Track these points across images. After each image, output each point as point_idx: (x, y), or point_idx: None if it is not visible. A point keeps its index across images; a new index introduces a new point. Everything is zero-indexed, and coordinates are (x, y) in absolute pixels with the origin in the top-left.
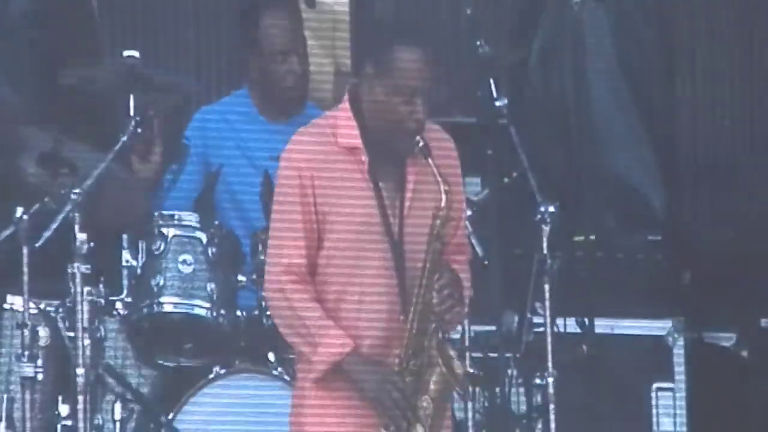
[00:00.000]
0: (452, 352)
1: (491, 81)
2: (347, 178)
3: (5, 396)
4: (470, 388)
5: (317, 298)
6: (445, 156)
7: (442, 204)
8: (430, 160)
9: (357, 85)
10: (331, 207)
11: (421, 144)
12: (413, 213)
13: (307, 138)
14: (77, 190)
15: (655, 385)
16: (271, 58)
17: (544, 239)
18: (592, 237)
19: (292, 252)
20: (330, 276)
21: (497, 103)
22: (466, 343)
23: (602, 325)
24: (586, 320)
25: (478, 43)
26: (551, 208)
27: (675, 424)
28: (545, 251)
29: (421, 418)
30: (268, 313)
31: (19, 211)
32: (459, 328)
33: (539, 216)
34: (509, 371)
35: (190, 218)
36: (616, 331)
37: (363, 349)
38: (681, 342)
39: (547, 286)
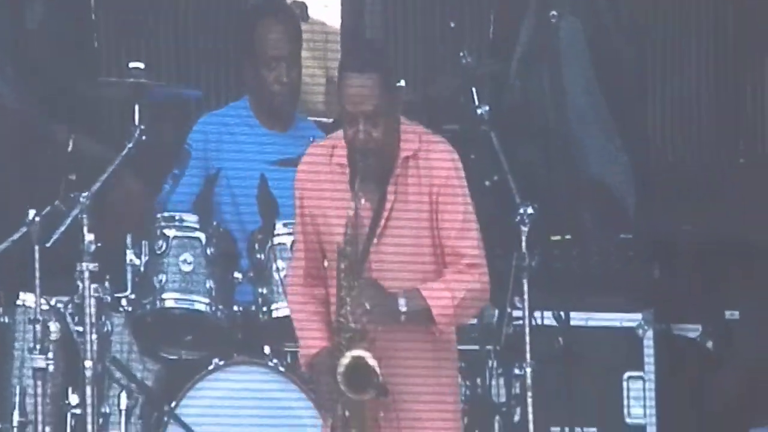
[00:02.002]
0: (365, 355)
1: (473, 90)
2: (336, 192)
3: (18, 386)
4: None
5: (320, 299)
6: (433, 168)
7: (347, 223)
8: (344, 178)
9: None
10: (324, 219)
11: (360, 164)
12: (387, 232)
13: (309, 157)
14: (85, 194)
15: (626, 374)
16: (262, 64)
17: (523, 238)
18: (568, 236)
19: (294, 262)
20: (329, 281)
21: (479, 111)
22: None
23: (577, 318)
24: (562, 314)
25: (461, 54)
26: (530, 210)
27: (645, 410)
28: (524, 250)
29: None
30: (264, 309)
31: (31, 213)
32: None
33: (518, 217)
34: (490, 362)
35: (190, 219)
36: (590, 324)
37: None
38: (650, 334)
39: (525, 282)
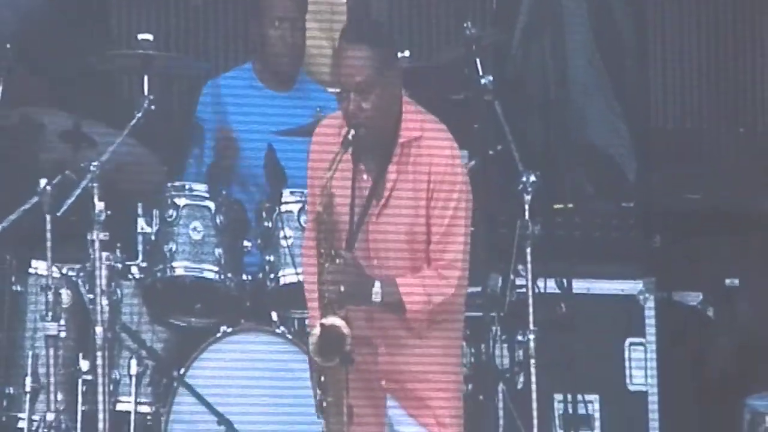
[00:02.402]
0: (337, 323)
1: (477, 60)
2: (343, 167)
3: (31, 353)
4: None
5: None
6: (432, 159)
7: (323, 191)
8: (349, 153)
9: None
10: (336, 191)
11: (349, 135)
12: (386, 212)
13: (321, 129)
14: (96, 163)
15: (627, 341)
16: (268, 24)
17: (526, 206)
18: (570, 205)
19: (307, 233)
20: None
21: (483, 81)
22: None
23: (579, 286)
24: (565, 281)
25: (465, 25)
26: (532, 178)
27: (646, 376)
28: (527, 218)
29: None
30: (271, 276)
31: (43, 182)
32: None
33: (521, 185)
34: (494, 329)
35: (200, 188)
36: (592, 291)
37: None
38: (652, 301)
39: (528, 250)
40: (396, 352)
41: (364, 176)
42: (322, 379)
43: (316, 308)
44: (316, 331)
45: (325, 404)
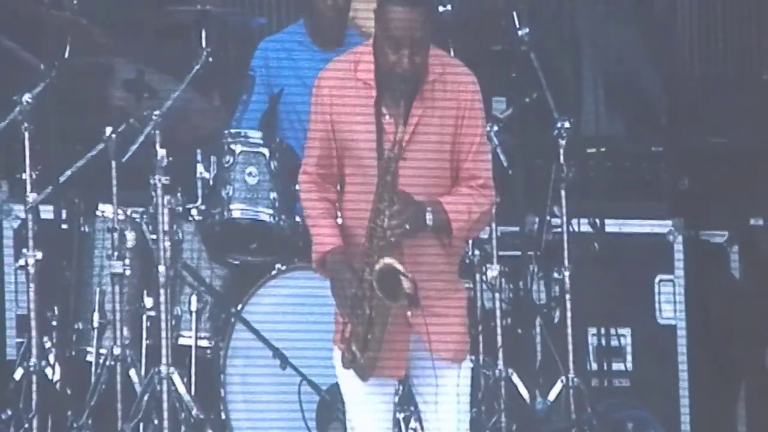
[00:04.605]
0: (400, 269)
1: (514, 13)
2: (360, 106)
3: (98, 290)
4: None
5: (332, 201)
6: (459, 91)
7: (396, 139)
8: (372, 97)
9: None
10: (345, 131)
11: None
12: (412, 146)
13: (332, 72)
14: (158, 112)
15: (657, 277)
16: None
17: (561, 151)
18: (603, 149)
19: (308, 160)
20: (347, 187)
21: (520, 32)
22: (494, 244)
23: (612, 225)
24: (598, 221)
25: None
26: (567, 124)
27: (675, 310)
28: (562, 161)
29: (366, 319)
30: None
31: (108, 130)
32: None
33: (556, 131)
34: (531, 267)
35: (255, 136)
36: (624, 230)
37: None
38: (680, 239)
39: (563, 192)
40: (420, 280)
41: (387, 118)
42: (373, 315)
43: (325, 235)
44: (380, 268)
45: (370, 336)
